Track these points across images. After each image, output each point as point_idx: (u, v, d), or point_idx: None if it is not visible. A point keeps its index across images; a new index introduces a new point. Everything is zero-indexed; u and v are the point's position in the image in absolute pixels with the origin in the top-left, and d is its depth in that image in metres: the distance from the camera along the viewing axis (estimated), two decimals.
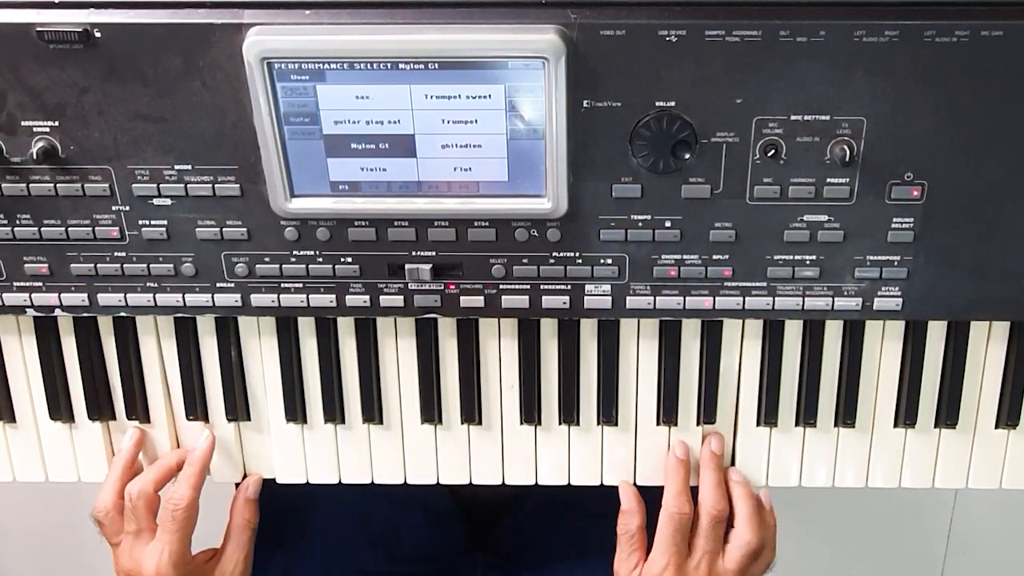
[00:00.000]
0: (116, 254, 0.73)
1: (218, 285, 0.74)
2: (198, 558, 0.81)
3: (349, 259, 0.73)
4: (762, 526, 0.79)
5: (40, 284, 0.75)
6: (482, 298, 0.74)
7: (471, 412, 0.82)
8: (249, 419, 0.83)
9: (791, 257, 0.72)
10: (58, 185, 0.70)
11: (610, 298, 0.74)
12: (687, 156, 0.68)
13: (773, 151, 0.67)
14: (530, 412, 0.82)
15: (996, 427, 0.81)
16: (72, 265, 0.74)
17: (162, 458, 0.82)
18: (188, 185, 0.70)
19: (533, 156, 0.69)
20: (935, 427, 0.81)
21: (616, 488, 0.83)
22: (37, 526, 1.56)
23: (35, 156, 0.68)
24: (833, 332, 0.79)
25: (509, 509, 1.03)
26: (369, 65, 0.65)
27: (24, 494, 1.51)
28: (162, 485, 0.80)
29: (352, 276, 0.74)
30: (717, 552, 0.78)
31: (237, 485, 0.85)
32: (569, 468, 0.84)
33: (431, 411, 0.82)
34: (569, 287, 0.74)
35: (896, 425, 0.81)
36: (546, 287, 0.74)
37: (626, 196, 0.70)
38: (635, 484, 0.83)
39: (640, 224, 0.71)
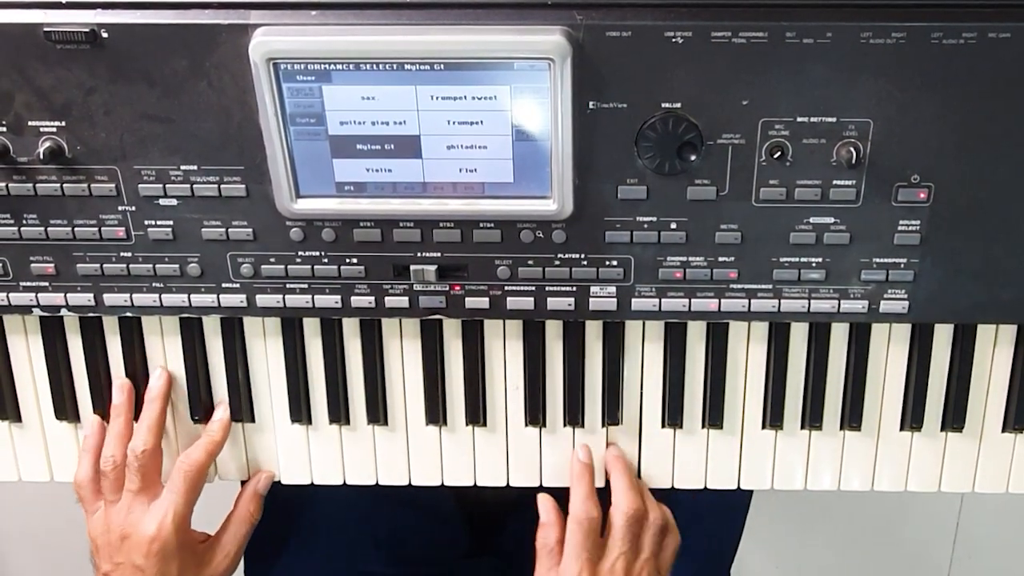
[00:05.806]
0: (122, 254, 0.74)
1: (223, 285, 0.75)
2: (195, 534, 0.81)
3: (354, 260, 0.73)
4: (657, 503, 0.80)
5: (46, 284, 0.75)
6: (487, 299, 0.74)
7: (476, 414, 0.82)
8: (254, 420, 0.83)
9: (797, 259, 0.72)
10: (64, 185, 0.71)
11: (615, 300, 0.74)
12: (693, 158, 0.68)
13: (779, 153, 0.67)
14: (535, 414, 0.82)
15: (1003, 431, 0.81)
16: (78, 265, 0.74)
17: (146, 412, 0.79)
18: (194, 185, 0.70)
19: (538, 157, 0.68)
20: (941, 430, 0.81)
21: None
22: (41, 526, 1.57)
23: (42, 156, 0.68)
24: (839, 335, 0.79)
25: (513, 512, 1.03)
26: (375, 66, 0.65)
27: (29, 494, 1.51)
28: (160, 438, 0.79)
29: (357, 277, 0.74)
30: (633, 554, 0.77)
31: (243, 483, 0.85)
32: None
33: (436, 412, 0.82)
34: (574, 289, 0.74)
35: (902, 428, 0.81)
36: (551, 289, 0.74)
37: (632, 198, 0.70)
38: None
39: (645, 226, 0.71)
